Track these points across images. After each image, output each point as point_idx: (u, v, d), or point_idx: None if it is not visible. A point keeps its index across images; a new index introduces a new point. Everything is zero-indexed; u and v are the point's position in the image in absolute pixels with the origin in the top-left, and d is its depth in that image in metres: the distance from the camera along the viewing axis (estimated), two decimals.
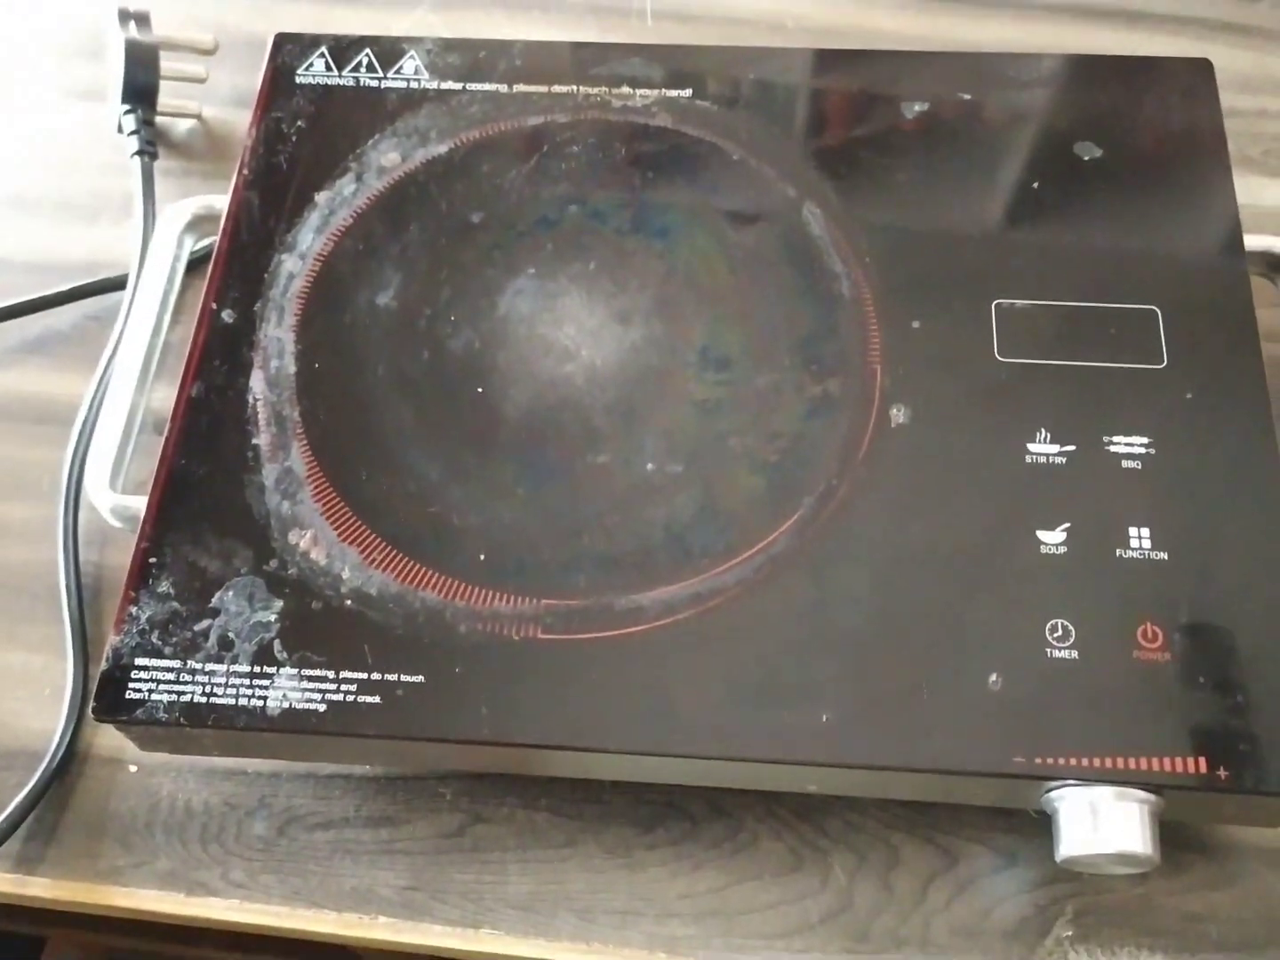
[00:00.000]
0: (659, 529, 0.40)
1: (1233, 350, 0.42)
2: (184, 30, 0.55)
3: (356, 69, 0.49)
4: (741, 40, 0.57)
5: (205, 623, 0.39)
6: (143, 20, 0.54)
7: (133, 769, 0.43)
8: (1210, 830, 0.41)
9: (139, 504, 0.42)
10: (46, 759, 0.42)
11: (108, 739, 0.44)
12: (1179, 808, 0.37)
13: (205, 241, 0.51)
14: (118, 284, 0.51)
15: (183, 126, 0.57)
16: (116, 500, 0.43)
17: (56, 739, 0.43)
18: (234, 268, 0.45)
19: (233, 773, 0.43)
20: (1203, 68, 0.47)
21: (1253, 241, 0.45)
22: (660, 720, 0.37)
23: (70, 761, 0.43)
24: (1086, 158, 0.46)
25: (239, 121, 0.56)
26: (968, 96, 0.47)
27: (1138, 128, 0.46)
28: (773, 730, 0.37)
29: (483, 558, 0.40)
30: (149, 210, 0.51)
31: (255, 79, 0.56)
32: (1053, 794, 0.37)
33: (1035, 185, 0.45)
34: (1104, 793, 0.36)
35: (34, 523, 0.47)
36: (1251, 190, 0.50)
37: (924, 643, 0.38)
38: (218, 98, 0.57)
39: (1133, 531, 0.39)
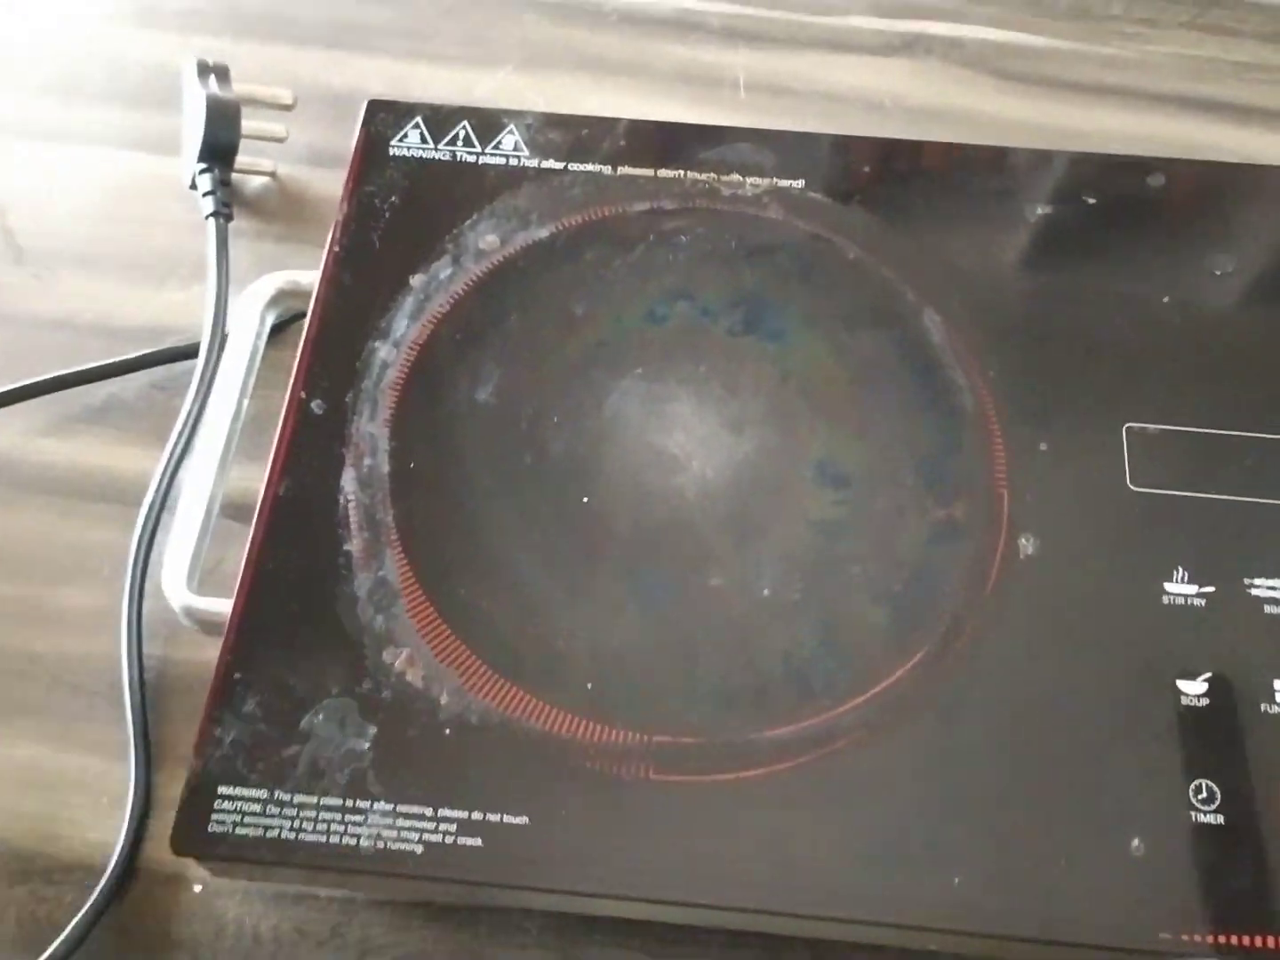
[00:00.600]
0: (777, 661, 0.38)
1: None
2: (264, 85, 0.53)
3: (453, 142, 0.47)
4: (837, 118, 0.55)
5: (294, 748, 0.37)
6: (223, 74, 0.51)
7: (197, 888, 0.41)
8: None
9: (218, 609, 0.40)
10: (105, 876, 0.40)
11: (170, 853, 0.41)
12: None
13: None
14: (188, 353, 0.49)
15: (255, 183, 0.54)
16: (194, 602, 0.41)
17: (116, 853, 0.40)
18: (324, 354, 0.43)
19: (303, 897, 0.40)
20: None
21: None
22: (779, 875, 0.35)
23: (130, 879, 0.41)
24: (1219, 271, 0.44)
25: (313, 180, 0.54)
26: (1092, 200, 0.45)
27: (1270, 243, 0.44)
28: (900, 892, 0.35)
29: (590, 686, 0.37)
30: (222, 277, 0.49)
31: (330, 136, 0.54)
32: None
33: (1166, 300, 0.43)
34: None
35: (93, 611, 0.45)
36: None
37: (1060, 801, 0.36)
38: (292, 155, 0.55)
39: (1278, 685, 0.37)
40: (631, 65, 0.57)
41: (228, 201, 0.51)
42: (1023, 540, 0.39)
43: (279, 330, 0.49)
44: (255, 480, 0.47)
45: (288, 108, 0.53)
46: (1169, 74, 0.56)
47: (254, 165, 0.53)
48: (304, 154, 0.55)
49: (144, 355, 0.49)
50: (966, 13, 0.58)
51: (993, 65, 0.56)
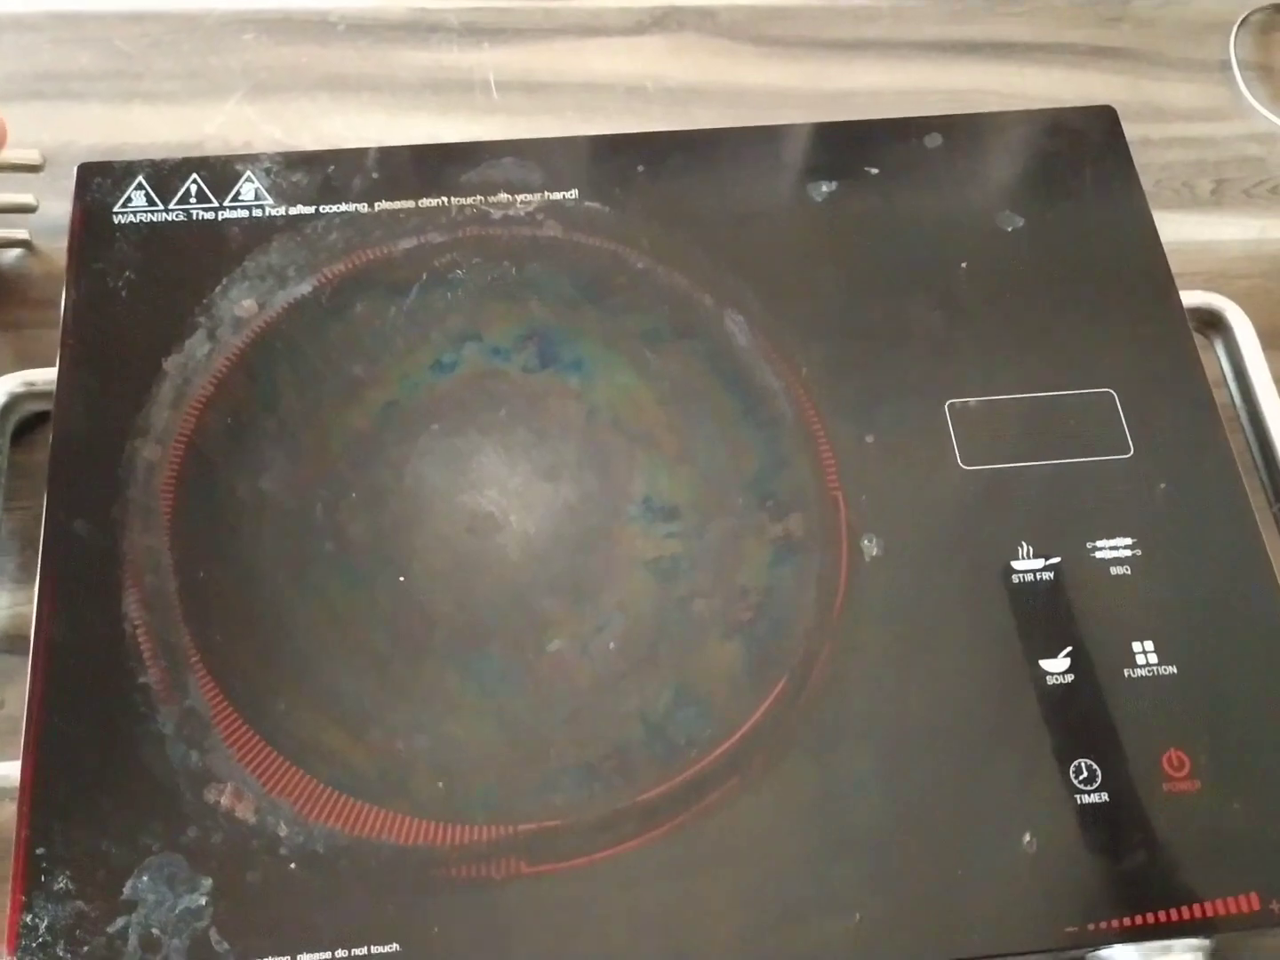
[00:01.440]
0: (634, 722, 0.35)
1: (1196, 426, 0.40)
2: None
3: (185, 199, 0.42)
4: (598, 109, 0.52)
5: (120, 921, 0.33)
6: None
7: None
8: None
9: (4, 776, 0.35)
10: None
11: None
12: (1231, 941, 0.35)
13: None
14: None
15: (8, 256, 0.48)
16: None
17: None
18: (77, 464, 0.38)
19: None
20: (1107, 116, 0.45)
21: (1188, 299, 0.43)
22: (677, 948, 0.33)
23: None
24: (1009, 229, 0.43)
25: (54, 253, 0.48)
26: (874, 171, 0.44)
27: (1054, 190, 0.44)
28: (802, 939, 0.33)
29: (441, 785, 0.34)
30: None
31: (42, 202, 0.49)
32: (1101, 953, 0.34)
33: (963, 265, 0.42)
34: (1154, 947, 0.34)
35: None
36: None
37: (946, 813, 0.34)
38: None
39: (1137, 647, 0.37)
40: (371, 78, 0.53)
41: None
42: (865, 542, 0.38)
43: (25, 431, 0.44)
44: (24, 605, 0.42)
45: (36, 168, 0.47)
46: (924, 19, 0.55)
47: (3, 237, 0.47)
48: (16, 221, 0.49)
49: None
50: None
51: (749, 32, 0.54)
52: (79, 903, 0.33)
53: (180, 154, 0.49)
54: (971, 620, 0.37)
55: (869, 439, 0.39)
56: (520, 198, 0.43)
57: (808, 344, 0.41)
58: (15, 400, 0.42)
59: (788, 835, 0.34)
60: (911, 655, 0.36)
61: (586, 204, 0.43)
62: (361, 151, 0.44)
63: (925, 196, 0.43)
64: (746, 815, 0.34)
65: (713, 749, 0.35)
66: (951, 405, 0.40)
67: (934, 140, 0.44)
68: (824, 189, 0.43)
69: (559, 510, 0.38)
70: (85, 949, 0.32)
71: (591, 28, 0.54)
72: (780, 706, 0.35)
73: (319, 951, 0.32)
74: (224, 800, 0.34)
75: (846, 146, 0.44)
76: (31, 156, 0.47)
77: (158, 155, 0.49)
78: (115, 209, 0.42)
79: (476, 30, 0.54)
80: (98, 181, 0.42)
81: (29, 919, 0.32)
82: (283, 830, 0.34)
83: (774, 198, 0.43)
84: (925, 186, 0.44)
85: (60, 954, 0.32)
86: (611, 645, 0.36)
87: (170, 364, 0.39)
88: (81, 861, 0.33)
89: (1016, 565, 0.37)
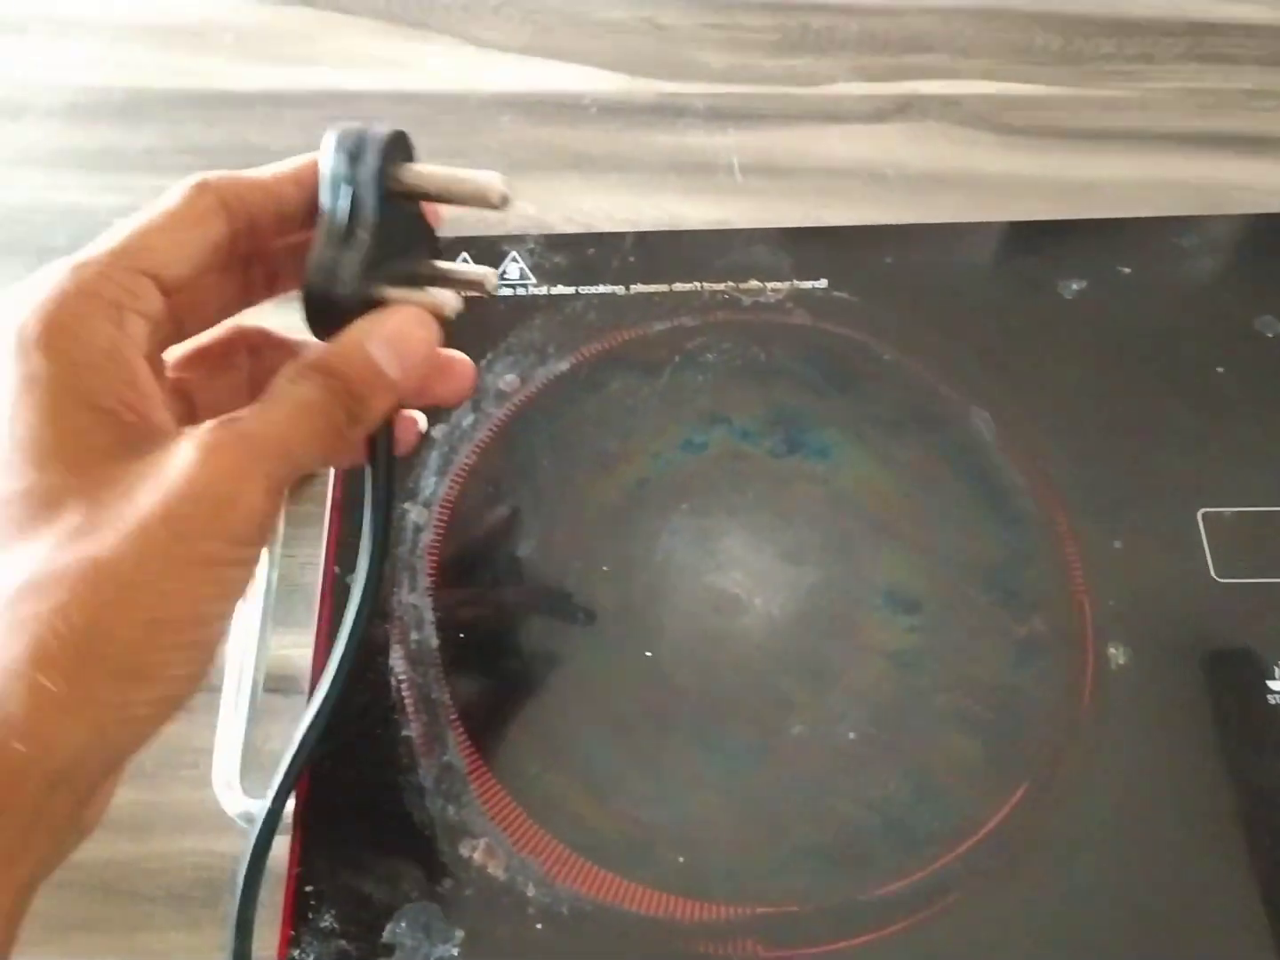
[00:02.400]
0: (873, 812, 0.36)
1: None
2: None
3: None
4: (839, 194, 0.53)
5: None
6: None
7: None
8: None
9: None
10: None
11: None
12: None
13: None
14: None
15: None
16: (250, 807, 0.39)
17: None
18: (353, 523, 0.41)
19: None
20: None
21: None
22: None
23: None
24: (1270, 334, 0.42)
25: None
26: (1127, 270, 0.44)
27: None
28: None
29: (681, 860, 0.35)
30: None
31: None
32: None
33: (1220, 370, 0.42)
34: None
35: (138, 807, 0.42)
36: None
37: (1189, 932, 0.34)
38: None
39: None
40: (618, 159, 0.55)
41: None
42: (1111, 650, 0.37)
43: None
44: (291, 648, 0.44)
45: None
46: (1173, 110, 0.55)
47: None
48: None
49: None
50: (958, 68, 0.56)
51: (992, 121, 0.55)
52: (342, 941, 0.35)
53: (442, 229, 0.53)
54: (1221, 739, 0.36)
55: (1117, 544, 0.39)
56: (770, 285, 0.44)
57: (1056, 443, 0.41)
58: None
59: (1029, 941, 0.34)
60: (1158, 769, 0.36)
61: (835, 293, 0.44)
62: (619, 235, 0.46)
63: (1180, 298, 0.43)
64: (986, 917, 0.34)
65: (953, 848, 0.35)
66: (1206, 514, 0.39)
67: (1190, 240, 0.44)
68: (1074, 287, 0.43)
69: (802, 595, 0.39)
70: None
71: (833, 114, 0.56)
72: (1023, 810, 0.35)
73: None
74: (477, 856, 0.36)
75: (1099, 244, 0.44)
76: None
77: None
78: None
79: (721, 114, 0.56)
80: None
81: (296, 954, 0.35)
82: (530, 890, 0.35)
83: (1022, 294, 0.43)
84: (1180, 287, 0.43)
85: None
86: (851, 734, 0.37)
87: (438, 432, 0.42)
88: (345, 902, 0.35)
89: (1273, 685, 0.37)
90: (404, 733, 0.37)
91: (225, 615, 0.28)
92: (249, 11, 0.61)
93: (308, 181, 0.30)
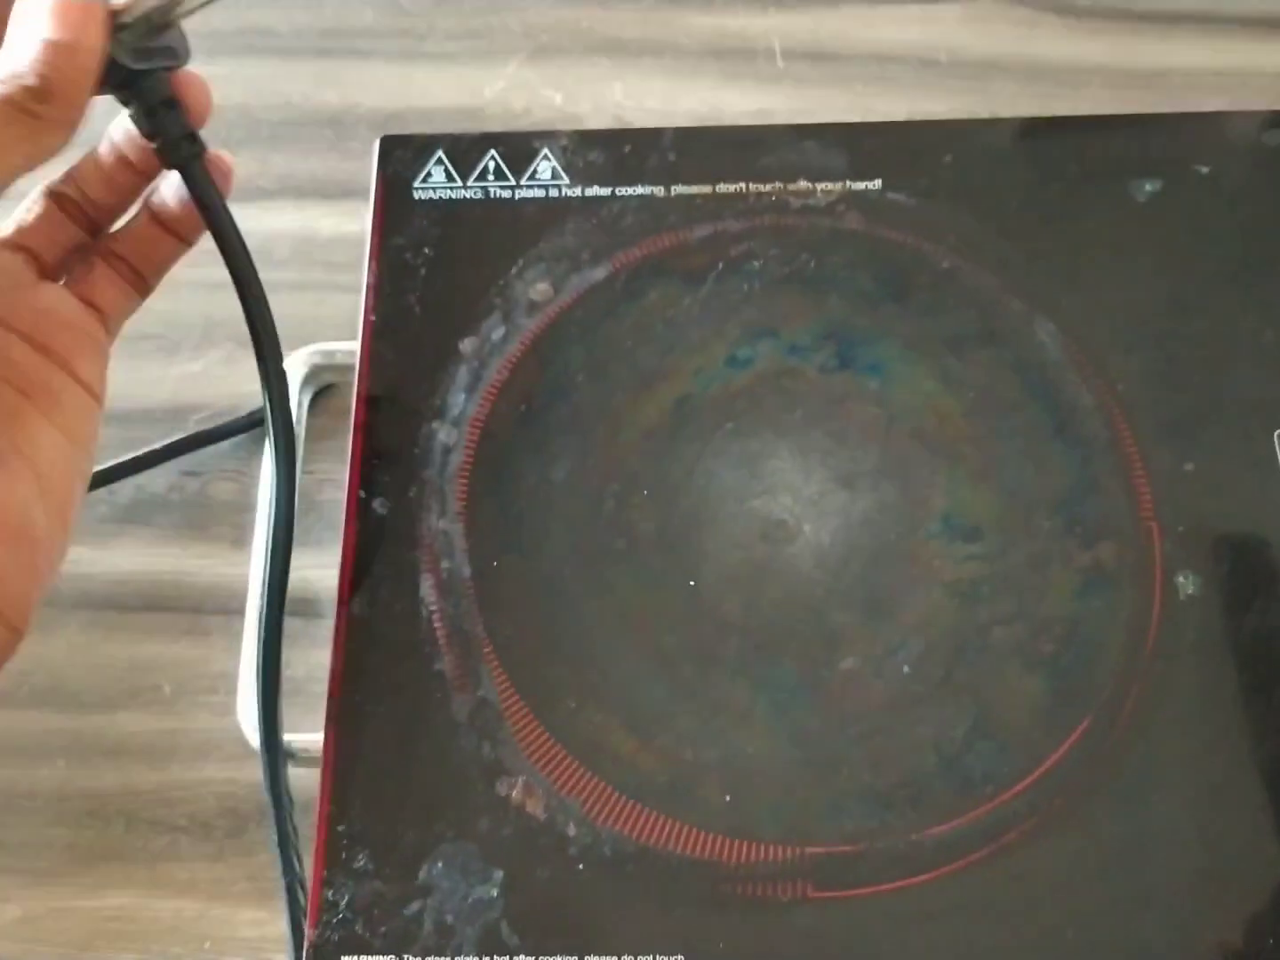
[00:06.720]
0: (929, 751, 0.34)
1: None
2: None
3: (483, 176, 0.42)
4: (889, 82, 0.50)
5: (416, 904, 0.33)
6: None
7: None
8: None
9: (302, 743, 0.36)
10: None
11: None
12: None
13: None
14: (218, 434, 0.45)
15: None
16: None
17: None
18: (378, 444, 0.38)
19: None
20: None
21: None
22: None
23: None
24: None
25: (322, 216, 0.49)
26: (1205, 169, 0.41)
27: None
28: None
29: (728, 799, 0.34)
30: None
31: (331, 163, 0.49)
32: None
33: None
34: None
35: (158, 736, 0.41)
36: None
37: (1258, 872, 0.32)
38: (296, 187, 0.50)
39: None
40: (653, 43, 0.52)
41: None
42: (1180, 579, 0.36)
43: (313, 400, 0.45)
44: (310, 569, 0.43)
45: None
46: None
47: None
48: (308, 186, 0.50)
49: (171, 444, 0.45)
50: None
51: (1052, 1, 0.51)
52: (377, 883, 0.34)
53: (462, 118, 0.50)
54: None
55: (1188, 467, 0.37)
56: (821, 186, 0.41)
57: (1125, 358, 0.38)
58: (314, 371, 0.43)
59: (1086, 883, 0.33)
60: (1226, 705, 0.34)
61: (890, 195, 0.41)
62: (658, 131, 0.42)
63: (1262, 200, 0.40)
64: (1044, 858, 0.33)
65: (1011, 786, 0.34)
66: None
67: (1274, 136, 0.41)
68: (1147, 188, 0.40)
69: (855, 522, 0.37)
70: (383, 929, 0.33)
71: None
72: (1083, 747, 0.34)
73: (606, 955, 0.33)
74: (515, 795, 0.34)
75: (1173, 140, 0.41)
76: None
77: (441, 118, 0.49)
78: (415, 184, 0.42)
79: None
80: (398, 154, 0.42)
81: (330, 894, 0.34)
82: (571, 830, 0.34)
83: (1092, 195, 0.41)
84: (1262, 189, 0.40)
85: (359, 931, 0.33)
86: (906, 669, 0.35)
87: (466, 346, 0.40)
88: (379, 842, 0.34)
89: None
90: (436, 666, 0.36)
91: None
92: None
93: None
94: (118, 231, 0.33)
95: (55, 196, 0.32)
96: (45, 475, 0.29)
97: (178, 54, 0.30)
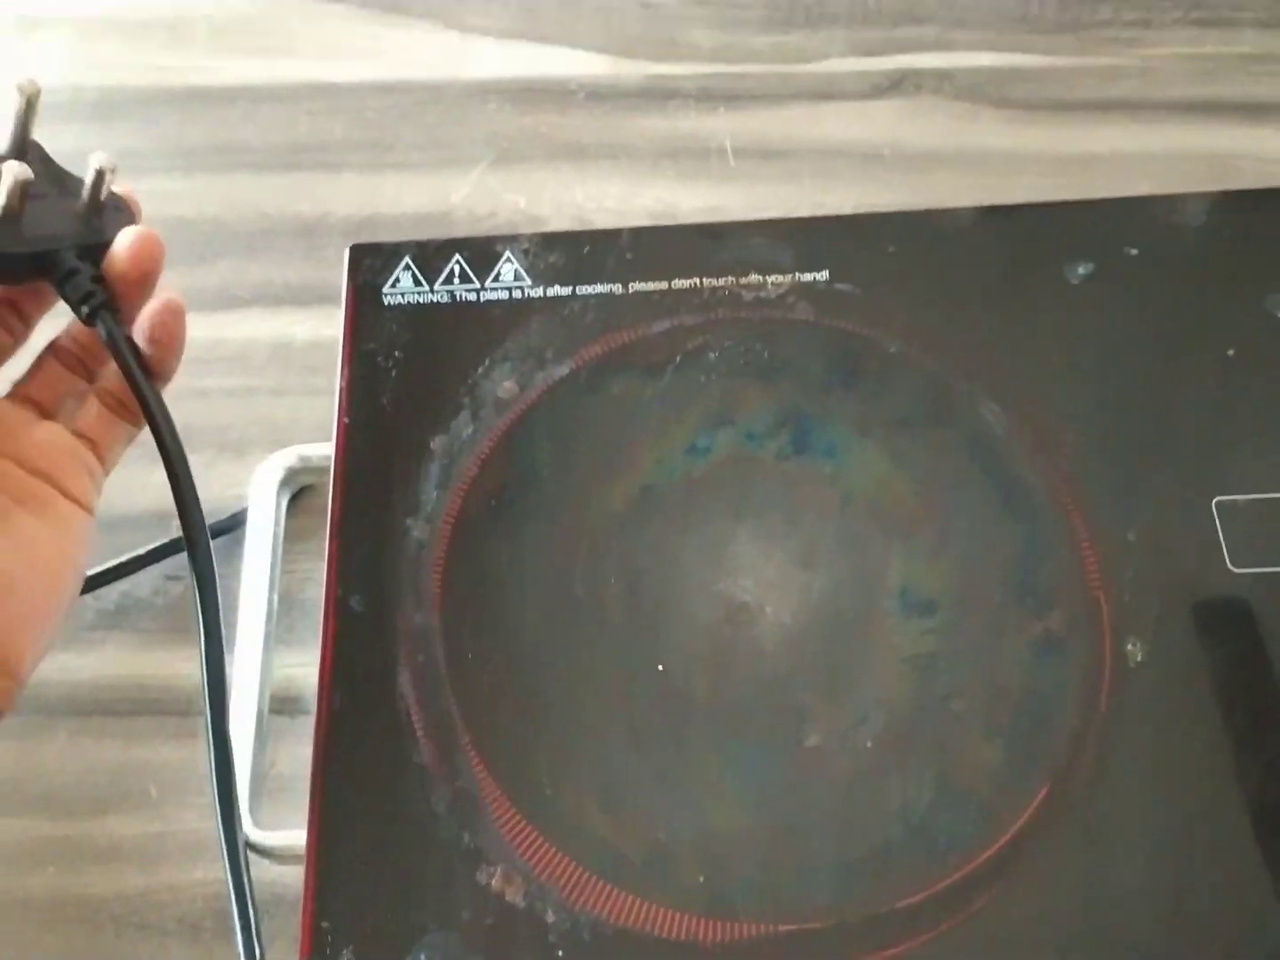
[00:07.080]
0: (895, 821, 0.35)
1: None
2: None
3: (449, 280, 0.44)
4: (835, 175, 0.52)
5: None
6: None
7: None
8: None
9: (287, 842, 0.37)
10: None
11: None
12: None
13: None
14: None
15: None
16: (260, 838, 0.38)
17: None
18: (354, 541, 0.40)
19: None
20: None
21: None
22: None
23: None
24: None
25: (294, 321, 0.51)
26: (1134, 251, 0.43)
27: None
28: None
29: (703, 879, 0.35)
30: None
31: (305, 270, 0.51)
32: None
33: (1230, 353, 0.41)
34: None
35: (146, 839, 0.42)
36: None
37: (1218, 929, 0.33)
38: (271, 296, 0.51)
39: None
40: (609, 146, 0.54)
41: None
42: (1129, 646, 0.37)
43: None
44: (293, 667, 0.44)
45: None
46: (1173, 78, 0.53)
47: None
48: (284, 294, 0.52)
49: (155, 549, 0.46)
50: (952, 39, 0.55)
51: (989, 94, 0.54)
52: None
53: (430, 223, 0.52)
54: (1243, 732, 0.36)
55: (1131, 536, 0.38)
56: (771, 279, 0.43)
57: (1067, 434, 0.40)
58: (292, 473, 0.44)
59: (1057, 945, 0.34)
60: (1180, 761, 0.35)
61: (837, 285, 0.43)
62: (615, 232, 0.44)
63: (1188, 278, 0.42)
64: (1015, 924, 0.34)
65: (977, 854, 0.35)
66: (1220, 503, 0.38)
67: (1196, 218, 0.43)
68: (1080, 270, 0.42)
69: (814, 601, 0.38)
70: None
71: (826, 93, 0.55)
72: (1046, 810, 0.35)
73: None
74: (495, 883, 0.35)
75: (1104, 224, 0.43)
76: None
77: (408, 224, 0.51)
78: (385, 290, 0.44)
79: (712, 96, 0.55)
80: (368, 262, 0.44)
81: None
82: (550, 916, 0.35)
83: (1029, 280, 0.43)
84: (1188, 268, 0.42)
85: None
86: (869, 743, 0.36)
87: (437, 444, 0.41)
88: (364, 937, 0.35)
89: None
90: (415, 759, 0.37)
91: None
92: (223, 2, 0.59)
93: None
94: (107, 370, 0.37)
95: (55, 350, 0.36)
96: (34, 553, 0.34)
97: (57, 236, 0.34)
